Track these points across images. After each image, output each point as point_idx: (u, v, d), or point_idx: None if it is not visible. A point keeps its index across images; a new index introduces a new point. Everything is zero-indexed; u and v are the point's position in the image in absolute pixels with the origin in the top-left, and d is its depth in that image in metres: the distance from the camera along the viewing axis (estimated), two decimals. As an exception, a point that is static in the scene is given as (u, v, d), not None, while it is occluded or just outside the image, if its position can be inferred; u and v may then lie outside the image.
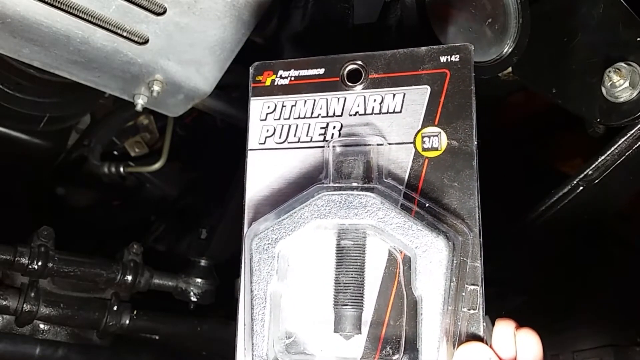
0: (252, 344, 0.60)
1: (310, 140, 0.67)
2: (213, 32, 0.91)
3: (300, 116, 0.68)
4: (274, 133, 0.69)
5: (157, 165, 1.48)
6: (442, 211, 0.61)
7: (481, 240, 0.60)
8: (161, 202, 1.64)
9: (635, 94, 0.81)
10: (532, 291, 1.17)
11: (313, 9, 1.08)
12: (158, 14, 0.87)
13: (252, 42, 1.24)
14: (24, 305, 1.00)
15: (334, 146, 0.66)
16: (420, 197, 0.62)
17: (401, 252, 0.62)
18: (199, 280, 1.22)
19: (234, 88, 1.40)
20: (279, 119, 0.69)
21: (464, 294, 0.59)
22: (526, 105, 1.18)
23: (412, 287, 0.60)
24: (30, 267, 1.00)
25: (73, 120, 1.46)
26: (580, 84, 0.89)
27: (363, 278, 0.62)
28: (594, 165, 0.86)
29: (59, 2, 0.83)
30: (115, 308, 1.08)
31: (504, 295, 1.10)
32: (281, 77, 0.70)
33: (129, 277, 1.10)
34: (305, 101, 0.68)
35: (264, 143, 0.69)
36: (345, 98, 0.68)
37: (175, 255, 1.48)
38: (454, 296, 0.58)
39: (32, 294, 1.01)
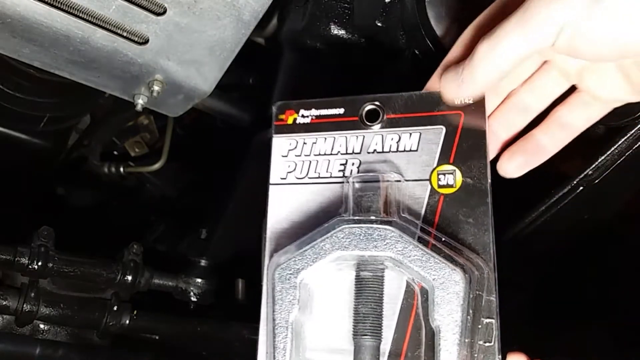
0: None
1: (330, 176, 0.70)
2: (213, 32, 0.91)
3: (321, 153, 0.71)
4: (295, 168, 0.71)
5: (157, 165, 1.48)
6: (458, 245, 0.63)
7: (496, 275, 0.62)
8: (161, 202, 1.64)
9: (635, 94, 0.81)
10: (531, 291, 1.17)
11: (313, 9, 1.08)
12: (158, 14, 0.87)
13: (252, 42, 1.24)
14: (24, 305, 1.00)
15: (353, 181, 0.68)
16: (436, 232, 0.64)
17: (418, 284, 0.63)
18: (199, 280, 1.22)
19: (234, 88, 1.40)
20: (300, 155, 0.71)
21: (480, 326, 0.60)
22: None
23: (430, 318, 0.61)
24: (30, 267, 1.00)
25: (73, 120, 1.46)
26: (580, 84, 0.89)
27: (382, 309, 0.63)
28: (594, 165, 0.86)
29: (59, 2, 0.83)
30: (115, 308, 1.08)
31: (504, 296, 1.10)
32: (303, 116, 0.73)
33: (129, 277, 1.10)
34: (325, 139, 0.71)
35: (285, 178, 0.71)
36: (364, 136, 0.70)
37: (175, 255, 1.48)
38: (470, 328, 0.59)
39: (32, 294, 1.01)
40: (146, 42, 0.90)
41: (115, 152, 1.61)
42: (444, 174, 0.66)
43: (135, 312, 1.10)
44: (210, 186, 1.53)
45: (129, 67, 0.94)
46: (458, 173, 0.66)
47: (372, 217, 0.64)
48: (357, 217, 0.65)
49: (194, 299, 1.21)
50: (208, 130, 1.58)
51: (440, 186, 0.66)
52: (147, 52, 0.92)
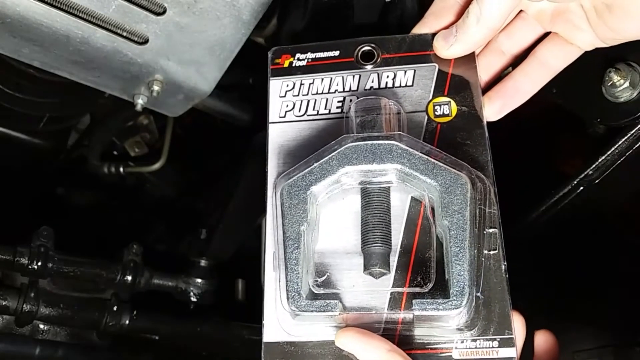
0: (287, 281, 0.62)
1: (329, 113, 0.72)
2: (213, 32, 0.91)
3: (318, 92, 0.73)
4: (293, 107, 0.73)
5: (157, 165, 1.48)
6: (459, 162, 0.65)
7: (495, 189, 0.65)
8: (161, 202, 1.64)
9: (635, 94, 0.81)
10: (531, 291, 1.17)
11: (313, 8, 1.08)
12: (158, 14, 0.87)
13: (252, 42, 1.24)
14: (24, 306, 1.00)
15: (355, 104, 0.70)
16: (437, 150, 0.67)
17: (426, 195, 0.65)
18: (199, 280, 1.22)
19: (234, 88, 1.40)
20: (298, 95, 0.74)
21: (484, 233, 0.63)
22: (526, 105, 1.18)
23: (438, 223, 0.63)
24: (30, 267, 1.00)
25: (73, 120, 1.46)
26: (580, 84, 0.89)
27: (390, 219, 0.65)
28: (594, 166, 0.86)
29: (59, 2, 0.83)
30: (115, 308, 1.08)
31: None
32: (299, 59, 0.75)
33: (129, 277, 1.10)
34: (322, 79, 0.74)
35: (284, 117, 0.73)
36: (360, 75, 0.73)
37: (175, 255, 1.48)
38: (476, 237, 0.62)
39: (32, 294, 1.01)
40: (146, 42, 0.90)
41: (115, 152, 1.61)
42: (440, 105, 0.70)
43: (135, 312, 1.10)
44: (210, 186, 1.53)
45: (129, 67, 0.94)
46: (453, 103, 0.70)
47: (376, 134, 0.66)
48: (362, 135, 0.66)
49: (194, 299, 1.21)
50: (208, 130, 1.58)
51: (436, 116, 0.70)
52: (147, 52, 0.92)
